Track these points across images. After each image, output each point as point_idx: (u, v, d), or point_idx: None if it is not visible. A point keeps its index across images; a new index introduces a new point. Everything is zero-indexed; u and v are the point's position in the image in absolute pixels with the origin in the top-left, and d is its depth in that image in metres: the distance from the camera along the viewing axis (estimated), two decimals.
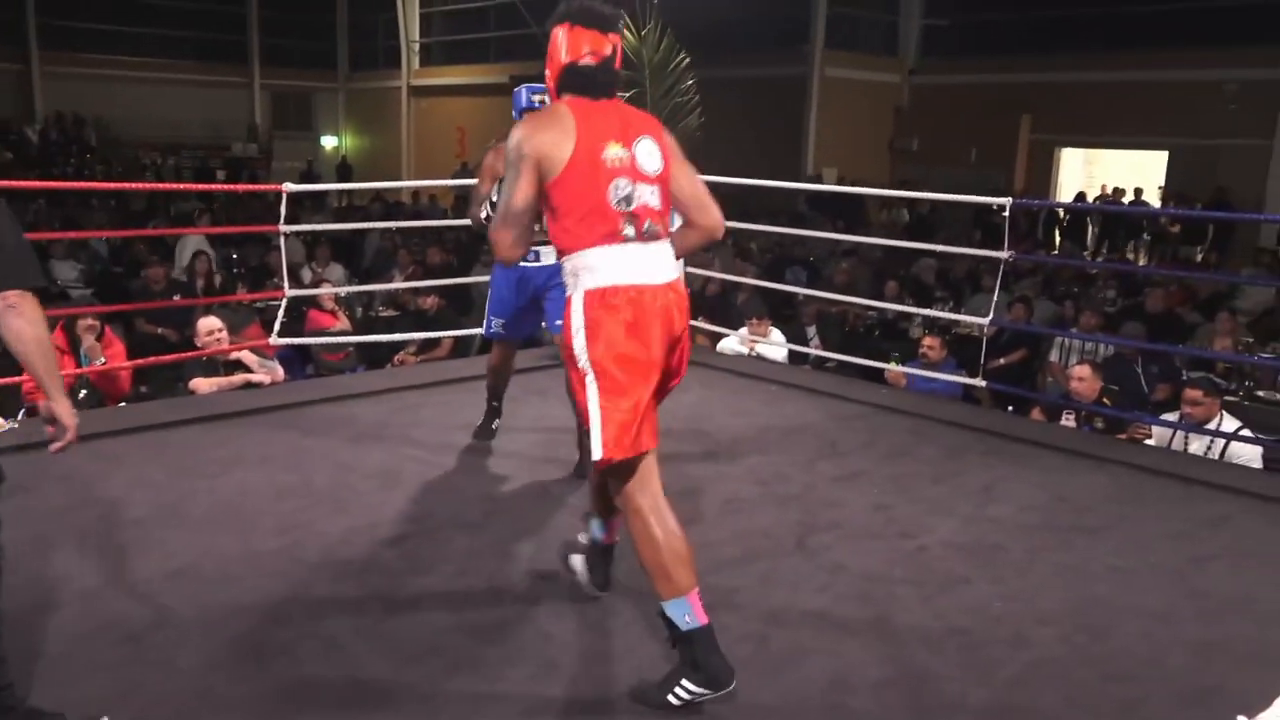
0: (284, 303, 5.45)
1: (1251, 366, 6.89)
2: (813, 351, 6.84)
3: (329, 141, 27.26)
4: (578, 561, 2.96)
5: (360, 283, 9.59)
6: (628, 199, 2.42)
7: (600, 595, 2.96)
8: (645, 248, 2.45)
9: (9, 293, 2.21)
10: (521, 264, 3.40)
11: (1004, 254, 5.22)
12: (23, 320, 2.22)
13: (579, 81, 2.50)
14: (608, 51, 2.52)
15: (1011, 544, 3.51)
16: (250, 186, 11.68)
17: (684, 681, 2.41)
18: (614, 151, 2.42)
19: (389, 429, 4.59)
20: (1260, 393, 6.74)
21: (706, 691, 2.41)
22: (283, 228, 5.41)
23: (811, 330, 7.58)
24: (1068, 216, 16.15)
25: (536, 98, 3.66)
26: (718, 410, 5.12)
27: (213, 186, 11.97)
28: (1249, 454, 4.81)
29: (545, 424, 4.65)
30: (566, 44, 2.51)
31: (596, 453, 2.42)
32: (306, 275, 9.54)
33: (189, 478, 3.89)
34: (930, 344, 6.11)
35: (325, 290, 7.60)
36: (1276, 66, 14.74)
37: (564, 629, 2.82)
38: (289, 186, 5.34)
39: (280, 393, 5.28)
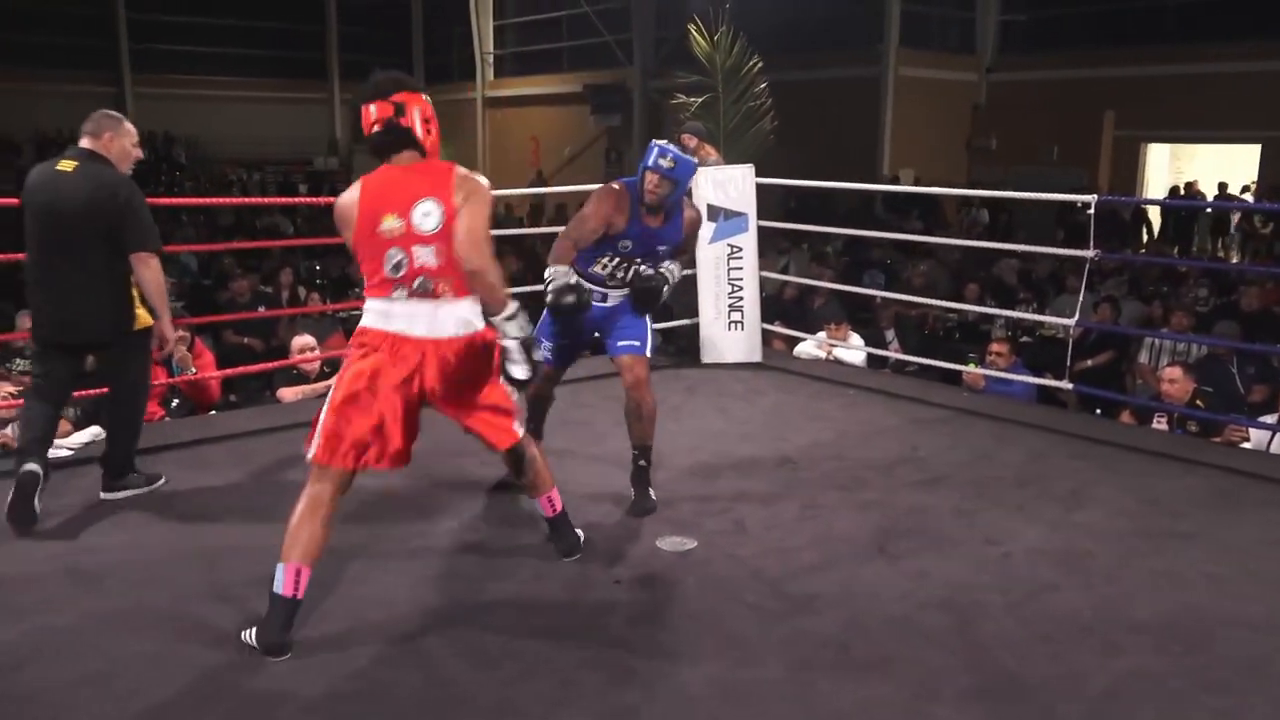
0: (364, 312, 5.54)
1: None
2: (892, 355, 6.73)
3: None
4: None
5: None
6: (397, 266, 2.75)
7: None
8: (411, 304, 2.78)
9: (141, 253, 3.57)
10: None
11: (1089, 253, 5.08)
12: (148, 271, 3.60)
13: (373, 149, 2.83)
14: (388, 114, 2.77)
15: (1101, 550, 3.40)
16: (331, 200, 11.95)
17: (251, 631, 2.73)
18: (389, 224, 2.74)
19: (466, 438, 4.63)
20: None
21: (256, 646, 2.71)
22: None
23: (890, 334, 7.47)
24: (1175, 215, 15.60)
25: (664, 161, 3.66)
26: (795, 415, 5.07)
27: (295, 200, 12.27)
28: None
29: (620, 430, 4.66)
30: (362, 121, 2.82)
31: (310, 451, 2.82)
32: None
33: (275, 483, 3.99)
34: (999, 349, 5.97)
35: None
36: None
37: (640, 634, 2.82)
38: None
39: None
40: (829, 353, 6.45)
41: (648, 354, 3.85)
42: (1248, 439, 4.91)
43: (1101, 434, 4.79)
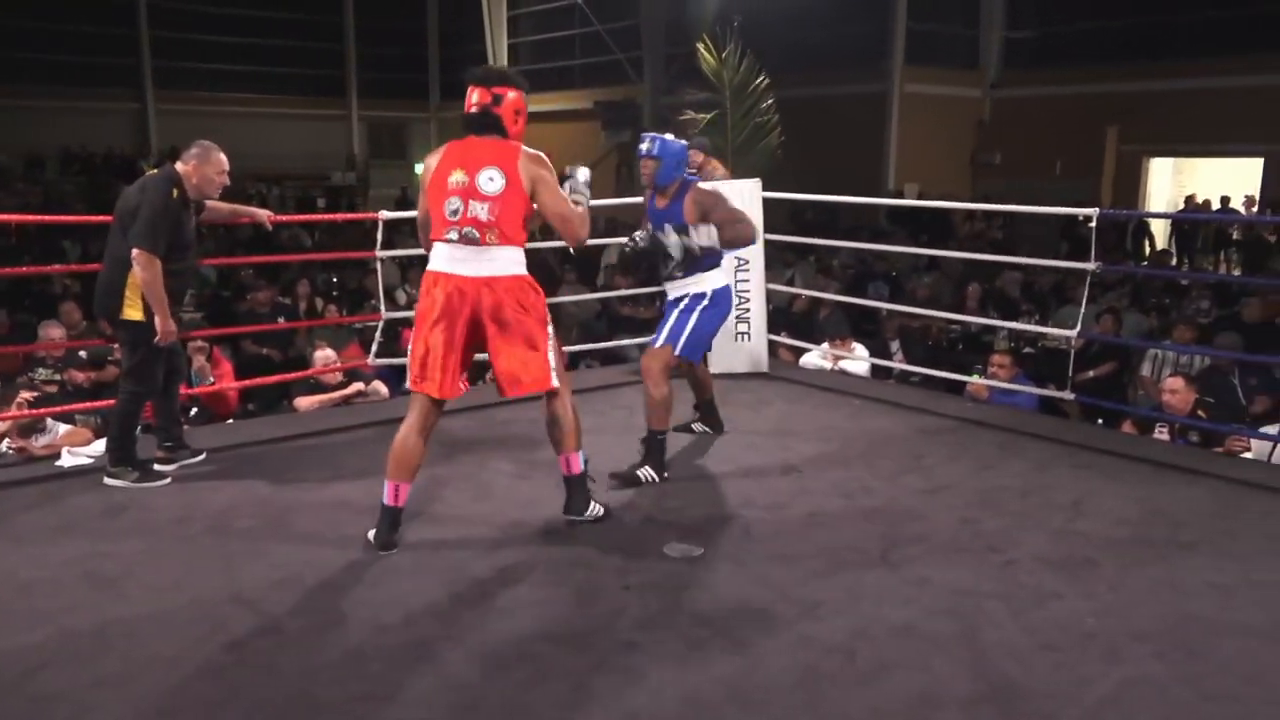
0: (381, 324, 5.58)
1: None
2: (896, 366, 6.72)
3: (422, 169, 27.93)
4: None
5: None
6: (454, 212, 3.30)
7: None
8: (460, 248, 3.31)
9: (134, 249, 3.82)
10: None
11: (1091, 265, 5.07)
12: (138, 267, 3.83)
13: (465, 124, 3.43)
14: (486, 100, 3.35)
15: (1104, 558, 3.39)
16: (348, 215, 12.02)
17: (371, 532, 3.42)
18: (456, 177, 3.32)
19: (480, 443, 4.65)
20: None
21: (373, 544, 3.39)
22: (379, 253, 5.55)
23: (895, 345, 7.46)
24: (1186, 227, 15.54)
25: (642, 145, 4.47)
26: (801, 424, 5.06)
27: (314, 217, 12.33)
28: None
29: (633, 439, 4.67)
30: (465, 98, 3.41)
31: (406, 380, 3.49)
32: (402, 297, 9.75)
33: (292, 491, 4.00)
34: (1000, 361, 5.95)
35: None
36: None
37: (650, 639, 2.82)
38: (384, 214, 5.47)
39: (375, 410, 5.40)
40: (835, 363, 6.45)
41: (671, 348, 4.23)
42: (1249, 449, 4.88)
43: (1104, 444, 4.77)
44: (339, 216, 12.15)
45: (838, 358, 6.45)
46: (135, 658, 2.70)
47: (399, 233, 15.36)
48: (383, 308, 5.65)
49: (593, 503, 3.66)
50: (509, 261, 3.32)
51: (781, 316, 7.76)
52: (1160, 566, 3.33)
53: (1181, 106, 15.64)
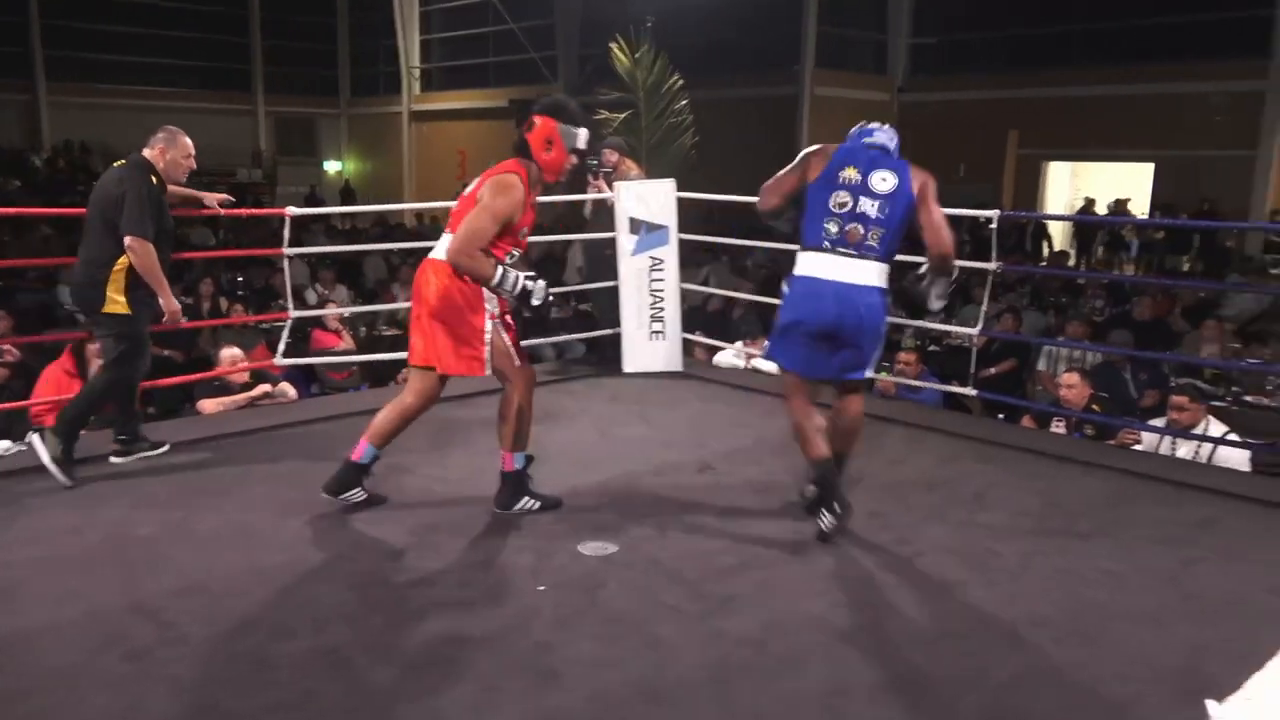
0: (289, 324, 5.45)
1: (1239, 372, 6.89)
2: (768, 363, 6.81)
3: (332, 166, 27.36)
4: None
5: (364, 303, 9.60)
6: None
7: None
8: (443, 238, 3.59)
9: (128, 237, 3.93)
10: None
11: (992, 265, 5.23)
12: (133, 254, 3.95)
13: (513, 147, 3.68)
14: (522, 127, 3.61)
15: (1005, 549, 3.50)
16: (255, 211, 11.71)
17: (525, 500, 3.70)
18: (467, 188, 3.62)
19: (392, 445, 4.58)
20: (1247, 398, 6.73)
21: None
22: (286, 251, 5.43)
23: None
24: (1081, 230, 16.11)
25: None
26: (715, 422, 5.12)
27: (218, 211, 11.93)
28: (1237, 457, 4.81)
29: (553, 438, 4.67)
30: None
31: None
32: (311, 297, 9.56)
33: (196, 496, 3.88)
34: (906, 359, 6.12)
35: (329, 311, 7.61)
36: (1258, 79, 14.82)
37: (563, 639, 2.81)
38: (292, 210, 5.36)
39: (285, 412, 5.29)
40: (748, 362, 6.53)
41: (779, 372, 3.77)
42: (1140, 441, 5.10)
43: (1005, 438, 4.93)
44: (245, 212, 11.79)
45: (751, 356, 6.53)
46: (30, 672, 2.59)
47: (307, 231, 15.11)
48: (290, 307, 5.53)
49: (526, 498, 3.74)
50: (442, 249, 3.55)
51: (696, 316, 7.82)
52: (1058, 556, 3.46)
53: (1077, 113, 16.26)
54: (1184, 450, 4.95)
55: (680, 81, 10.24)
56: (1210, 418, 5.05)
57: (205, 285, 8.89)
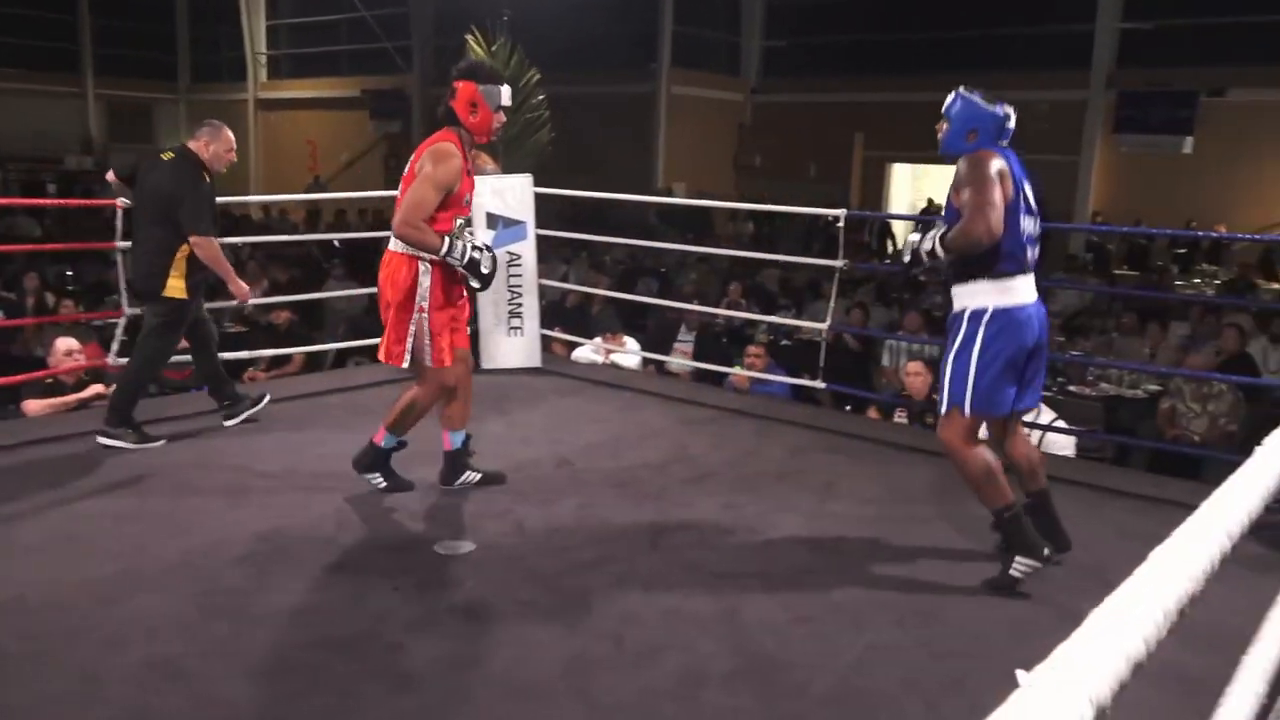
0: (122, 321, 5.15)
1: (1064, 364, 7.35)
2: (670, 360, 6.91)
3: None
4: None
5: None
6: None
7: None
8: None
9: (193, 235, 4.27)
10: None
11: (839, 263, 5.42)
12: (200, 249, 4.29)
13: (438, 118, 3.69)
14: (446, 95, 3.61)
15: (851, 535, 3.64)
16: (85, 202, 11.06)
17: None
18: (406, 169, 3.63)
19: (236, 447, 4.41)
20: (1071, 388, 7.20)
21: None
22: (120, 244, 5.12)
23: (689, 336, 7.64)
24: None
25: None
26: (573, 418, 5.12)
27: (43, 201, 11.23)
28: (1063, 443, 5.13)
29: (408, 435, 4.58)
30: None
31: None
32: None
33: (18, 503, 3.63)
34: (755, 353, 6.30)
35: None
36: (1080, 89, 15.84)
37: (419, 640, 2.76)
38: (123, 201, 5.06)
39: None
40: (607, 357, 6.56)
41: (958, 410, 3.16)
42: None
43: (852, 429, 5.12)
44: (73, 203, 11.09)
45: (610, 351, 6.57)
46: None
47: None
48: (125, 303, 5.23)
49: (378, 474, 3.86)
50: (397, 242, 3.61)
51: (555, 311, 7.80)
52: (900, 541, 3.62)
53: (918, 117, 16.84)
54: None
55: (537, 76, 10.19)
56: (1042, 405, 5.37)
57: (29, 279, 8.31)
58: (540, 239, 6.12)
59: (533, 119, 10.22)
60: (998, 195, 3.01)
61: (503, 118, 3.66)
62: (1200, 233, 12.37)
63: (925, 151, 18.37)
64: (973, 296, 3.12)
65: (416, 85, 20.54)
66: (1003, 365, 3.09)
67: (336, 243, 12.15)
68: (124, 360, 5.19)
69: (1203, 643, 2.14)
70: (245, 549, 3.32)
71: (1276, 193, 14.69)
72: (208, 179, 4.37)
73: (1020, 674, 0.59)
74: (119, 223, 5.02)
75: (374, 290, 8.30)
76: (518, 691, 2.53)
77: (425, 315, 3.60)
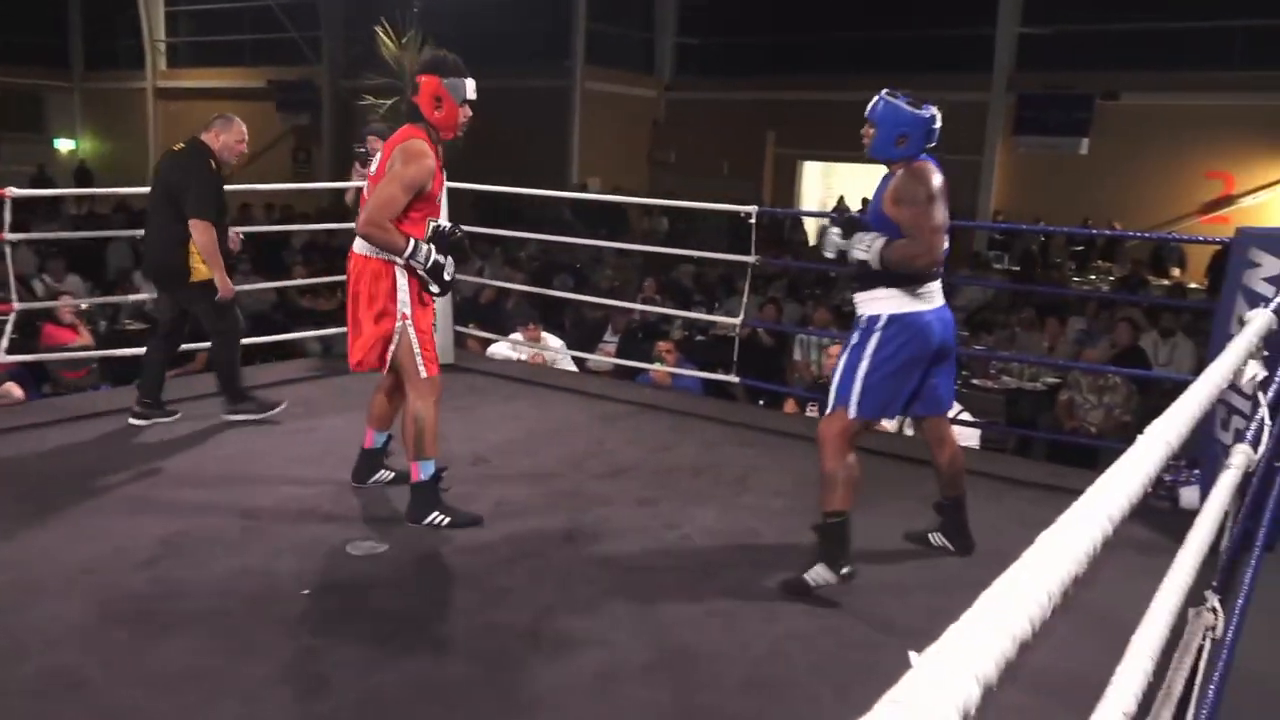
0: (12, 317, 4.94)
1: (967, 358, 7.58)
2: (589, 356, 6.90)
3: (65, 145, 24.93)
4: None
5: (104, 295, 8.83)
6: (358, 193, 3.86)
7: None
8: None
9: (192, 219, 4.29)
10: None
11: (751, 259, 5.49)
12: (197, 234, 4.31)
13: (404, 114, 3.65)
14: (413, 91, 3.50)
15: (765, 528, 3.70)
16: None
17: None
18: (374, 165, 3.56)
19: (138, 448, 4.27)
20: (975, 381, 7.43)
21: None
22: (8, 236, 4.91)
23: (614, 338, 7.69)
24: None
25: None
26: (489, 414, 5.09)
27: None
28: (967, 435, 5.29)
29: (316, 436, 4.49)
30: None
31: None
32: (39, 287, 8.70)
33: None
34: (665, 348, 6.37)
35: (63, 303, 6.95)
36: (982, 91, 16.33)
37: (331, 643, 2.72)
38: (12, 191, 4.85)
39: (9, 415, 4.80)
40: (531, 353, 6.53)
41: (843, 410, 3.14)
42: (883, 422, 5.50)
43: (766, 423, 5.20)
44: None
45: (528, 344, 6.53)
46: None
47: (34, 215, 13.70)
48: (14, 298, 5.01)
49: (435, 512, 3.54)
50: (364, 244, 3.47)
51: (469, 307, 7.74)
52: (810, 534, 3.67)
53: (826, 116, 17.26)
54: None
55: None
56: None
57: None
58: None
59: None
60: (941, 216, 3.03)
61: (468, 112, 3.53)
62: (1095, 230, 12.89)
63: (835, 150, 18.75)
64: (875, 302, 3.13)
65: (325, 77, 20.09)
66: (895, 371, 3.09)
67: (241, 237, 11.82)
68: (12, 359, 4.99)
69: (1095, 624, 2.24)
70: (148, 554, 3.22)
71: (1167, 192, 15.37)
72: (214, 168, 4.41)
73: (912, 655, 0.62)
74: (7, 214, 4.81)
75: (280, 285, 8.13)
76: (434, 692, 2.52)
77: (409, 323, 3.46)
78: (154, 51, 23.33)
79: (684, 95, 19.51)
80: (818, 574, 3.09)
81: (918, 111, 3.13)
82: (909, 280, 3.07)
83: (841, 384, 3.12)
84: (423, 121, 3.48)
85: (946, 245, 3.15)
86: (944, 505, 3.47)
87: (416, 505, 3.55)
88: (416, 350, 3.48)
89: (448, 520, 3.53)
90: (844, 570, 3.08)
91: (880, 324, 3.09)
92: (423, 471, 3.55)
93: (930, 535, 3.54)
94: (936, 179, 3.07)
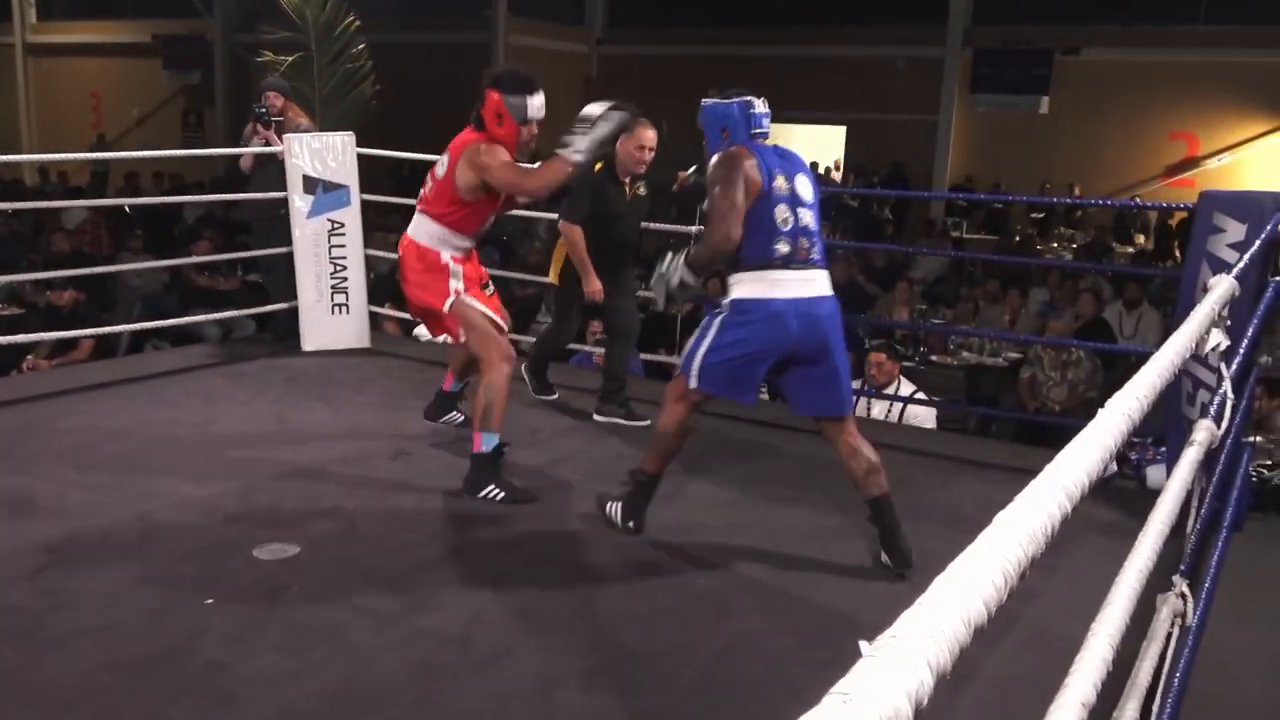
0: None
1: (925, 332, 7.72)
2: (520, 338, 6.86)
3: None
4: None
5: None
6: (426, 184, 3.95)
7: None
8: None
9: None
10: None
11: (694, 229, 5.51)
12: None
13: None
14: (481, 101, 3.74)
15: (713, 520, 3.73)
16: None
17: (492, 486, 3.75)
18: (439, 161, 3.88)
19: (19, 446, 4.16)
20: (934, 357, 7.57)
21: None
22: None
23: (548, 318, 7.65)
24: None
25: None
26: (410, 403, 5.04)
27: None
28: (924, 415, 5.40)
29: (213, 429, 4.42)
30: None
31: None
32: None
33: None
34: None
35: None
36: (937, 45, 16.53)
37: (239, 655, 2.69)
38: None
39: None
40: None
41: (684, 376, 3.40)
42: None
43: (711, 407, 5.14)
44: None
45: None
46: None
47: None
48: None
49: (492, 485, 3.75)
50: (417, 228, 3.83)
51: (385, 286, 7.65)
52: (764, 523, 3.74)
53: (773, 74, 17.37)
54: (878, 410, 5.48)
55: (357, 22, 9.91)
56: (901, 377, 5.62)
57: None
58: (366, 205, 5.98)
59: (353, 70, 9.95)
60: (738, 196, 3.21)
61: (533, 130, 3.74)
62: (1055, 199, 13.16)
63: (785, 109, 18.84)
64: (731, 287, 3.30)
65: (218, 31, 19.63)
66: (735, 357, 3.24)
67: (128, 209, 11.55)
68: None
69: (1065, 608, 2.31)
70: (34, 563, 3.14)
71: (1130, 155, 15.75)
72: None
73: (863, 645, 0.64)
74: None
75: (173, 263, 7.98)
76: (356, 704, 2.51)
77: (461, 299, 3.77)
78: (23, 2, 22.55)
79: (618, 49, 19.44)
80: (617, 511, 3.54)
81: (726, 102, 3.45)
82: (746, 266, 3.25)
83: (687, 356, 3.40)
84: (487, 133, 3.69)
85: (800, 233, 3.26)
86: (870, 514, 3.38)
87: (474, 476, 3.76)
88: (476, 324, 3.78)
89: (503, 495, 3.74)
90: (630, 525, 3.51)
91: (724, 308, 3.31)
92: (485, 443, 3.75)
93: (882, 555, 3.41)
94: (743, 162, 3.25)
